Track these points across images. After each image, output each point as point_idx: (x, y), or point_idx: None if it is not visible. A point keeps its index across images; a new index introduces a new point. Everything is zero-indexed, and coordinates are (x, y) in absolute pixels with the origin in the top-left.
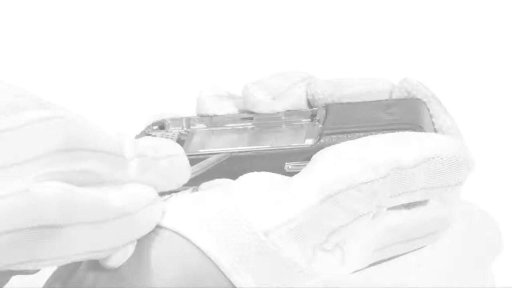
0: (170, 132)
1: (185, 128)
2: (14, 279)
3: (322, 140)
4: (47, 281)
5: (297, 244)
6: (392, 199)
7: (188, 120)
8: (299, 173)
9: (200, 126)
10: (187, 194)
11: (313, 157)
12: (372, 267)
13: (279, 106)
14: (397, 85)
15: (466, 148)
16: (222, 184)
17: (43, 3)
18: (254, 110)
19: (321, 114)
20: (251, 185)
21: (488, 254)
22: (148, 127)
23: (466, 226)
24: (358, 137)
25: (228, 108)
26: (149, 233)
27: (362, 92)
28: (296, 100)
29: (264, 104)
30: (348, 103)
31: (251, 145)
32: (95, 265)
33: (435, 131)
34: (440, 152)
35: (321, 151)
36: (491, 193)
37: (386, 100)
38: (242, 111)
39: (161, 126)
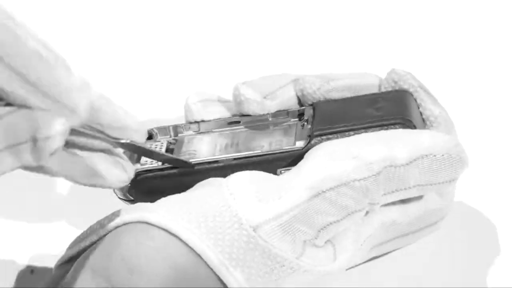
0: (159, 141)
1: (172, 137)
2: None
3: (312, 142)
4: None
5: (287, 239)
6: (385, 197)
7: (176, 128)
8: (289, 171)
9: (188, 133)
10: (180, 194)
11: (305, 155)
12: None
13: (270, 105)
14: (385, 77)
15: (459, 144)
16: (212, 182)
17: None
18: (245, 110)
19: (308, 113)
20: (240, 182)
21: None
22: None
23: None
24: (348, 136)
25: (216, 113)
26: (139, 231)
27: (351, 86)
28: (286, 100)
29: (255, 103)
30: (335, 100)
31: (241, 151)
32: (84, 265)
33: (424, 121)
34: (433, 149)
35: (313, 149)
36: (491, 193)
37: (373, 94)
38: (233, 115)
39: (149, 136)
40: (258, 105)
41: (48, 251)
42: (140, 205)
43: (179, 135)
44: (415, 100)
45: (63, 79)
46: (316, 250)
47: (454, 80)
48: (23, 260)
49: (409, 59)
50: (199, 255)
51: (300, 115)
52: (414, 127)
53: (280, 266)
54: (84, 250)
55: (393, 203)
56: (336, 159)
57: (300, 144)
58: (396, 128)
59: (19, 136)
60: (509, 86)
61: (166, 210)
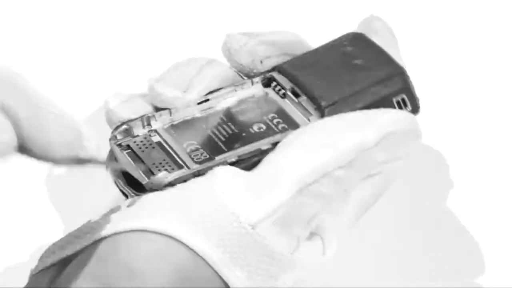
0: (137, 136)
1: (147, 128)
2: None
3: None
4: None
5: (282, 235)
6: (359, 181)
7: (148, 119)
8: (268, 164)
9: (162, 122)
10: (166, 191)
11: (279, 145)
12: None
13: (191, 98)
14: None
15: (416, 120)
16: (198, 179)
17: None
18: (168, 107)
19: (282, 80)
20: (227, 178)
21: None
22: (114, 138)
23: None
24: (356, 102)
25: (142, 110)
26: (137, 237)
27: (275, 41)
28: (211, 81)
29: (179, 99)
30: (298, 59)
31: (246, 142)
32: (78, 273)
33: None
34: (394, 128)
35: (287, 138)
36: (491, 193)
37: (333, 42)
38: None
39: (126, 132)
40: (182, 100)
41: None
42: (133, 209)
43: (152, 124)
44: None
45: None
46: (307, 244)
47: (453, 80)
48: (23, 260)
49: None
50: (200, 257)
51: (268, 80)
52: (406, 72)
53: (277, 262)
54: (66, 258)
55: (362, 183)
56: (315, 150)
57: (314, 119)
58: (395, 79)
59: None
60: (509, 86)
61: (162, 214)
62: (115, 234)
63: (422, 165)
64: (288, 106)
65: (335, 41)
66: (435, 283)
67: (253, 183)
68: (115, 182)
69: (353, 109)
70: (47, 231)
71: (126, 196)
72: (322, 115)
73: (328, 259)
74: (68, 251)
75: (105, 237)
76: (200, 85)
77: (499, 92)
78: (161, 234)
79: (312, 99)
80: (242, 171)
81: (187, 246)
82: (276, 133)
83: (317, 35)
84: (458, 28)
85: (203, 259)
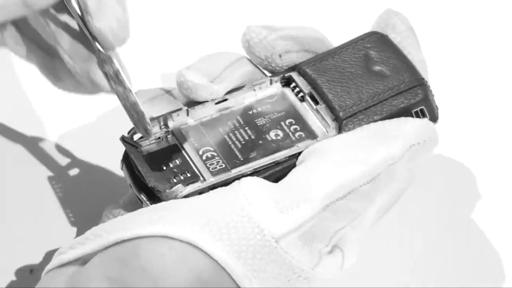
0: (154, 137)
1: (164, 129)
2: None
3: (345, 128)
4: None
5: (305, 250)
6: (384, 194)
7: (165, 119)
8: (297, 177)
9: (179, 123)
10: (193, 198)
11: (304, 156)
12: None
13: (218, 90)
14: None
15: (435, 130)
16: (225, 188)
17: None
18: (192, 96)
19: (302, 82)
20: (255, 190)
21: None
22: (129, 139)
23: None
24: (375, 113)
25: (167, 109)
26: (160, 242)
27: (296, 36)
28: (236, 79)
29: (204, 88)
30: (318, 61)
31: (264, 152)
32: (96, 274)
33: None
34: (417, 138)
35: (313, 149)
36: (491, 193)
37: (350, 43)
38: (185, 104)
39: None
40: (207, 89)
41: (48, 251)
42: (157, 214)
43: (169, 123)
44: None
45: None
46: (328, 258)
47: (452, 80)
48: (23, 260)
49: None
50: (223, 268)
51: (287, 81)
52: (427, 83)
53: (296, 277)
54: (83, 257)
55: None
56: (343, 165)
57: (332, 132)
58: (416, 90)
59: None
60: (509, 86)
61: (186, 221)
62: (137, 238)
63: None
64: (306, 111)
65: (357, 40)
66: (435, 283)
67: (280, 197)
68: (130, 186)
69: (372, 120)
70: (50, 231)
71: (141, 201)
72: (340, 126)
73: (345, 270)
74: (88, 249)
75: (126, 240)
76: (227, 79)
77: (503, 94)
78: (183, 241)
79: (331, 108)
80: (270, 183)
81: (208, 255)
82: (293, 142)
83: (333, 30)
84: (467, 30)
85: (224, 269)
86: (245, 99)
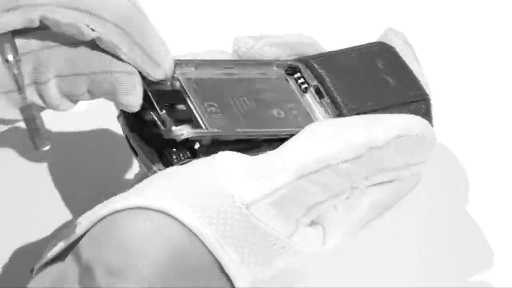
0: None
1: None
2: None
3: None
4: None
5: (278, 218)
6: (366, 180)
7: (174, 64)
8: (275, 150)
9: (186, 71)
10: (168, 170)
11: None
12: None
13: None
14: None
15: (430, 126)
16: (199, 160)
17: None
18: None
19: (309, 75)
20: (230, 160)
21: None
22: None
23: None
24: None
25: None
26: (134, 214)
27: (284, 43)
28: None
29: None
30: (328, 57)
31: (255, 122)
32: (77, 255)
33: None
34: (408, 129)
35: (301, 130)
36: (491, 193)
37: (360, 47)
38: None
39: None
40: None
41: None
42: (133, 189)
43: (177, 70)
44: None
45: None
46: (307, 230)
47: (451, 80)
48: (23, 260)
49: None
50: (195, 235)
51: (293, 70)
52: (430, 100)
53: (271, 245)
54: (68, 248)
55: (375, 186)
56: (322, 140)
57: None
58: (420, 104)
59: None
60: (508, 86)
61: (159, 191)
62: (113, 213)
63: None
64: (308, 102)
65: (366, 47)
66: (435, 283)
67: (255, 167)
68: (126, 137)
69: None
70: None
71: (136, 153)
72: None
73: (327, 250)
74: (70, 240)
75: (104, 217)
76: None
77: (496, 92)
78: (156, 211)
79: (335, 103)
80: (248, 157)
81: (182, 224)
82: (295, 124)
83: (327, 37)
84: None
85: (196, 236)
86: (251, 71)
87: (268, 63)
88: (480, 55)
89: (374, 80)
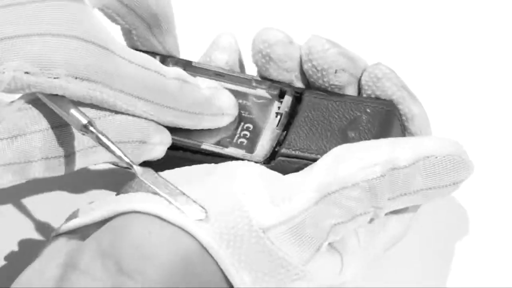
0: None
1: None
2: None
3: (276, 160)
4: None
5: (295, 244)
6: (390, 202)
7: (163, 57)
8: (299, 172)
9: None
10: (190, 182)
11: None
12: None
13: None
14: (369, 69)
15: (462, 147)
16: (221, 172)
17: None
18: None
19: (287, 104)
20: (252, 180)
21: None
22: None
23: None
24: (306, 166)
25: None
26: (152, 221)
27: (353, 57)
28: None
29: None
30: (320, 103)
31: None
32: (91, 246)
33: (404, 125)
34: (434, 151)
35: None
36: (491, 193)
37: (359, 101)
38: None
39: None
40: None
41: None
42: (149, 193)
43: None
44: (398, 112)
45: None
46: (324, 257)
47: (449, 80)
48: (23, 259)
49: (405, 59)
50: (210, 254)
51: (280, 94)
52: None
53: (285, 271)
54: (84, 226)
55: (397, 213)
56: (342, 161)
57: (260, 154)
58: None
59: (131, 135)
60: (507, 87)
61: (179, 205)
62: (132, 212)
63: None
64: (267, 126)
65: (366, 101)
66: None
67: (278, 188)
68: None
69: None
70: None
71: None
72: (273, 156)
73: (343, 281)
74: (88, 219)
75: (122, 213)
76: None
77: (496, 92)
78: (176, 226)
79: (282, 140)
80: (270, 171)
81: (198, 241)
82: (229, 143)
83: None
84: (455, 28)
85: (211, 256)
86: (240, 85)
87: (263, 81)
88: (480, 56)
89: (339, 133)
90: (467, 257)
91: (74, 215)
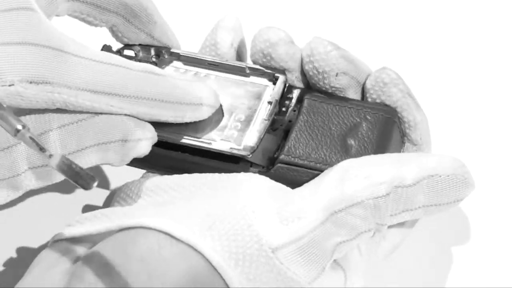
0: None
1: (154, 57)
2: None
3: (275, 167)
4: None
5: (302, 263)
6: (392, 218)
7: (158, 49)
8: (306, 187)
9: (168, 59)
10: (198, 199)
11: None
12: None
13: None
14: (375, 73)
15: (464, 166)
16: (228, 186)
17: None
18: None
19: (279, 92)
20: (261, 197)
21: None
22: (119, 49)
23: None
24: (305, 174)
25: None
26: (161, 236)
27: (354, 60)
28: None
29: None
30: (321, 103)
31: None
32: (97, 258)
33: (403, 132)
34: (438, 170)
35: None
36: (491, 193)
37: (359, 106)
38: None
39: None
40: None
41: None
42: (163, 206)
43: (161, 57)
44: (398, 119)
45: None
46: (328, 275)
47: (449, 82)
48: (23, 259)
49: (405, 60)
50: (219, 274)
51: (273, 79)
52: None
53: None
54: (87, 239)
55: (399, 226)
56: (348, 179)
57: (248, 144)
58: None
59: (111, 135)
60: (507, 87)
61: (190, 221)
62: (141, 227)
63: None
64: (257, 119)
65: (366, 107)
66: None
67: (284, 206)
68: None
69: (300, 179)
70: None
71: None
72: (272, 163)
73: None
74: (94, 229)
75: (131, 227)
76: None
77: (495, 94)
78: (186, 244)
79: (282, 146)
80: (276, 187)
81: (207, 259)
82: (218, 136)
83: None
84: (455, 28)
85: (220, 275)
86: (234, 74)
87: (257, 69)
88: (480, 56)
89: (338, 140)
90: (467, 257)
91: (77, 222)
